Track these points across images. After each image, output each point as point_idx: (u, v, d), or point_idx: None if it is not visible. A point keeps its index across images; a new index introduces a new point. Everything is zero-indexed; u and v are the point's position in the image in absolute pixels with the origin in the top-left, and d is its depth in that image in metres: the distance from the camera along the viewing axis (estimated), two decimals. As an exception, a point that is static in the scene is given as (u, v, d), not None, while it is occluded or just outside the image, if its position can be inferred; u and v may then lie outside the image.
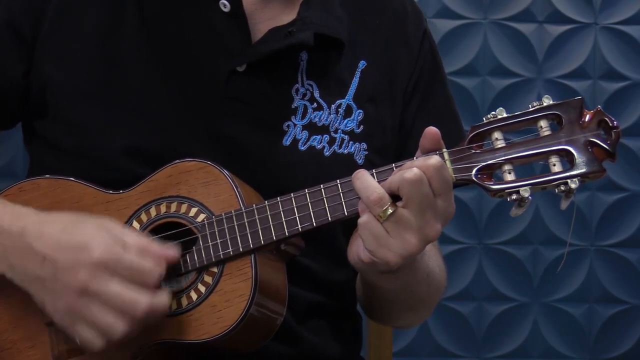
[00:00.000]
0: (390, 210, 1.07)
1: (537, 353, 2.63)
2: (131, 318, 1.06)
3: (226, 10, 1.22)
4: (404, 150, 1.31)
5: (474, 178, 1.08)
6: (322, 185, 1.12)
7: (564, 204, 1.07)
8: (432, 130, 1.10)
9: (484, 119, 1.08)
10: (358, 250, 1.12)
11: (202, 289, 1.12)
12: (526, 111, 1.07)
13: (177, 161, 1.15)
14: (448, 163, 1.08)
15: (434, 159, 1.07)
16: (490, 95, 2.61)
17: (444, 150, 1.09)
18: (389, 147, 1.30)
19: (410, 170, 1.06)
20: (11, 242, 1.11)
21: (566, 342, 2.64)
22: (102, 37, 1.22)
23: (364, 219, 1.08)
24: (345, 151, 1.26)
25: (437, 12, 2.57)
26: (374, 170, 1.11)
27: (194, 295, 1.12)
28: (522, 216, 1.15)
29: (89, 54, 1.22)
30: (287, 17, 1.26)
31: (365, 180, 1.09)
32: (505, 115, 1.08)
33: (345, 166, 1.24)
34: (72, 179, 1.18)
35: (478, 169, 1.08)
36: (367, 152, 1.27)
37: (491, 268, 2.63)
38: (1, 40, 1.24)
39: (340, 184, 1.11)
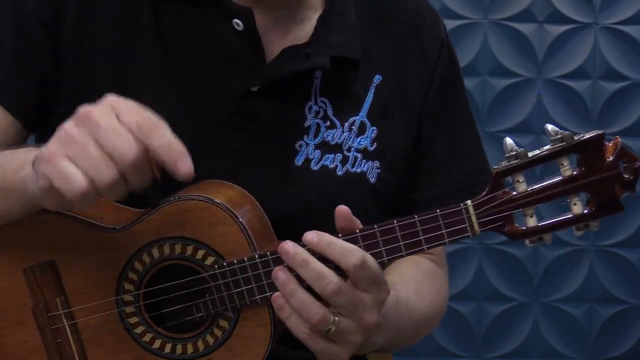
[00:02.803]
0: (336, 318, 1.05)
1: (537, 353, 2.64)
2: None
3: (239, 29, 1.20)
4: (420, 165, 1.30)
5: (499, 230, 1.07)
6: (340, 235, 1.08)
7: (578, 233, 1.08)
8: (342, 209, 1.06)
9: (506, 159, 1.06)
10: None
11: (219, 333, 1.09)
12: (547, 152, 1.05)
13: (174, 199, 1.10)
14: (473, 217, 1.06)
15: (356, 258, 1.04)
16: (490, 95, 2.61)
17: (469, 202, 1.06)
18: (402, 163, 1.28)
19: (330, 282, 1.03)
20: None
21: (566, 342, 2.64)
22: (117, 53, 1.20)
23: (304, 337, 1.06)
24: (358, 170, 1.24)
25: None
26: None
27: (210, 339, 1.09)
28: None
29: (104, 69, 1.21)
30: (302, 32, 1.24)
31: (301, 298, 1.05)
32: (528, 157, 1.05)
33: (358, 185, 1.23)
34: (67, 212, 1.12)
35: (503, 218, 1.07)
36: (379, 170, 1.25)
37: (491, 268, 2.63)
38: (36, 37, 1.21)
39: (360, 235, 1.07)
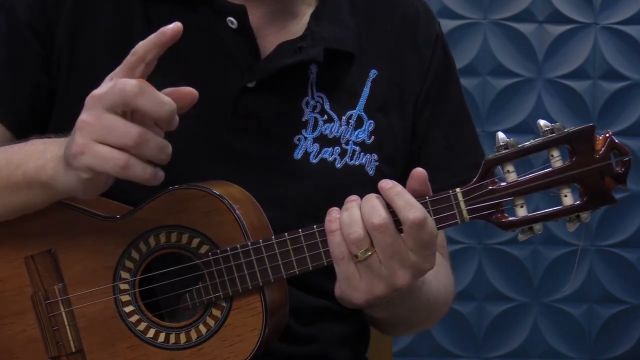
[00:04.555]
0: (368, 253, 1.05)
1: (537, 353, 2.64)
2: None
3: (233, 27, 1.21)
4: (418, 159, 1.30)
5: (488, 218, 1.07)
6: None
7: (572, 228, 1.07)
8: (419, 172, 1.07)
9: (496, 149, 1.07)
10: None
11: (212, 322, 1.10)
12: (537, 142, 1.06)
13: (172, 188, 1.11)
14: (462, 204, 1.07)
15: (415, 215, 1.04)
16: (490, 95, 2.61)
17: (458, 190, 1.07)
18: (400, 156, 1.29)
19: (379, 216, 1.05)
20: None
21: (566, 342, 2.64)
22: (110, 54, 1.21)
23: (339, 256, 1.07)
24: (357, 162, 1.25)
25: (437, 12, 2.53)
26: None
27: (203, 329, 1.10)
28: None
29: (101, 76, 1.21)
30: (295, 27, 1.25)
31: (352, 215, 1.06)
32: (517, 147, 1.06)
33: (357, 178, 1.24)
34: (68, 202, 1.14)
35: (492, 206, 1.07)
36: (377, 163, 1.26)
37: (491, 268, 2.63)
38: (29, 47, 1.22)
39: None
